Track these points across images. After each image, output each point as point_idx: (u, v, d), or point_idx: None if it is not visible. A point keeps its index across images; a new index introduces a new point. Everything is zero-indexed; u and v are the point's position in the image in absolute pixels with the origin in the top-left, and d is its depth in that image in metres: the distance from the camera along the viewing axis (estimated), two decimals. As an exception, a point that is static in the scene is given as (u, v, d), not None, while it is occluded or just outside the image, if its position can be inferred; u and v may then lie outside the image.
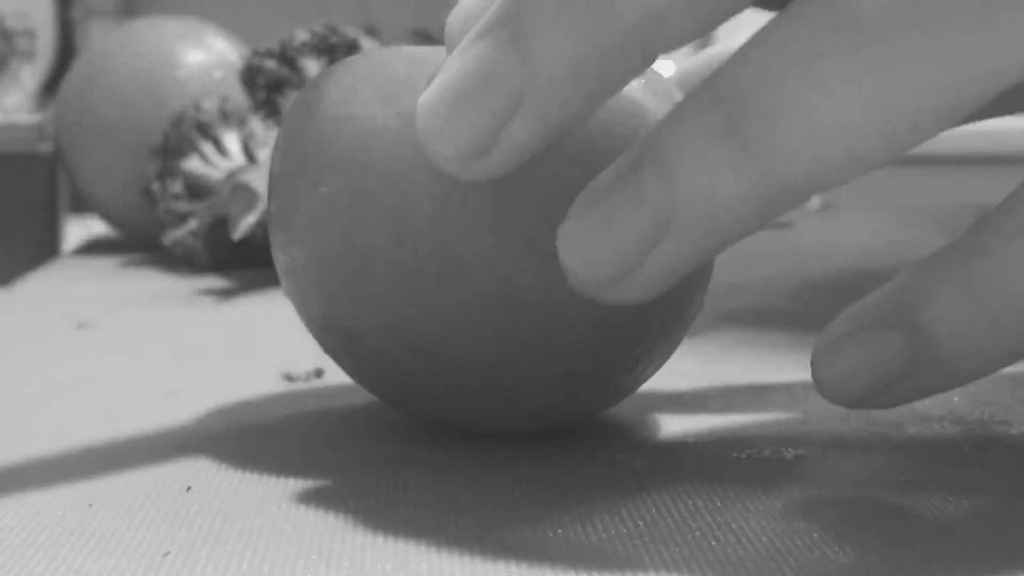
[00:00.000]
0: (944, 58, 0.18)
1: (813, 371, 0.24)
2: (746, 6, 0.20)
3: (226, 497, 0.24)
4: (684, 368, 0.33)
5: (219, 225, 0.53)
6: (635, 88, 0.25)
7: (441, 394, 0.26)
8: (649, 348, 0.26)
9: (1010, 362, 0.23)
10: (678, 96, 0.26)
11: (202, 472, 0.25)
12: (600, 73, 0.20)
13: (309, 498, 0.24)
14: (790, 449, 0.26)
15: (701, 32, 0.20)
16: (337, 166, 0.25)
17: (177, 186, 0.55)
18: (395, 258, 0.24)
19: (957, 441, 0.27)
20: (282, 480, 0.25)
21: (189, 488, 0.24)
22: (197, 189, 0.55)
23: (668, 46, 0.20)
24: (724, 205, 0.20)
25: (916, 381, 0.23)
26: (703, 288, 0.26)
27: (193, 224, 0.54)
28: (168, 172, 0.56)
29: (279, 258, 0.27)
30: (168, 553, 0.21)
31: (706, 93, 0.20)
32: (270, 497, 0.24)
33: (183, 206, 0.55)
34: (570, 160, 0.24)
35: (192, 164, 0.55)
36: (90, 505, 0.23)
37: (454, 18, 0.24)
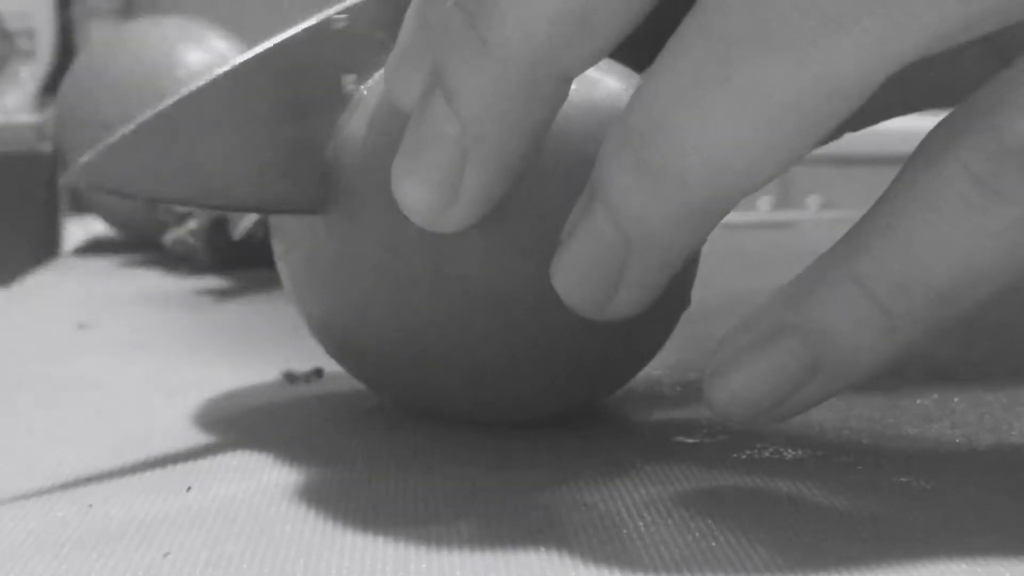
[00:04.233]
0: (802, 68, 0.20)
1: (706, 393, 0.23)
2: (633, 28, 0.22)
3: (226, 497, 0.24)
4: (685, 369, 0.33)
5: (219, 225, 0.53)
6: (616, 92, 0.25)
7: (440, 393, 0.27)
8: (640, 338, 0.26)
9: (910, 348, 0.22)
10: None
11: (202, 472, 0.25)
12: (520, 107, 0.22)
13: (309, 498, 0.24)
14: (790, 450, 0.26)
15: (601, 53, 0.22)
16: (332, 190, 0.26)
17: (177, 186, 0.55)
18: (390, 270, 0.25)
19: (957, 442, 0.27)
20: (282, 480, 0.25)
21: (189, 488, 0.24)
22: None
23: (577, 68, 0.22)
24: (661, 229, 0.22)
25: (817, 384, 0.23)
26: (690, 277, 0.27)
27: (193, 224, 0.54)
28: (168, 172, 0.56)
29: (280, 266, 0.28)
30: (168, 554, 0.21)
31: (618, 131, 0.22)
32: (270, 497, 0.24)
33: (183, 206, 0.55)
34: (555, 162, 0.24)
35: (192, 164, 0.55)
36: (90, 505, 0.23)
37: (389, 69, 0.25)
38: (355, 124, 0.26)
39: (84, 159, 0.24)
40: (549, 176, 0.24)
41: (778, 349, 0.23)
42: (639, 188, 0.22)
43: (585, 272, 0.23)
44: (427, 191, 0.23)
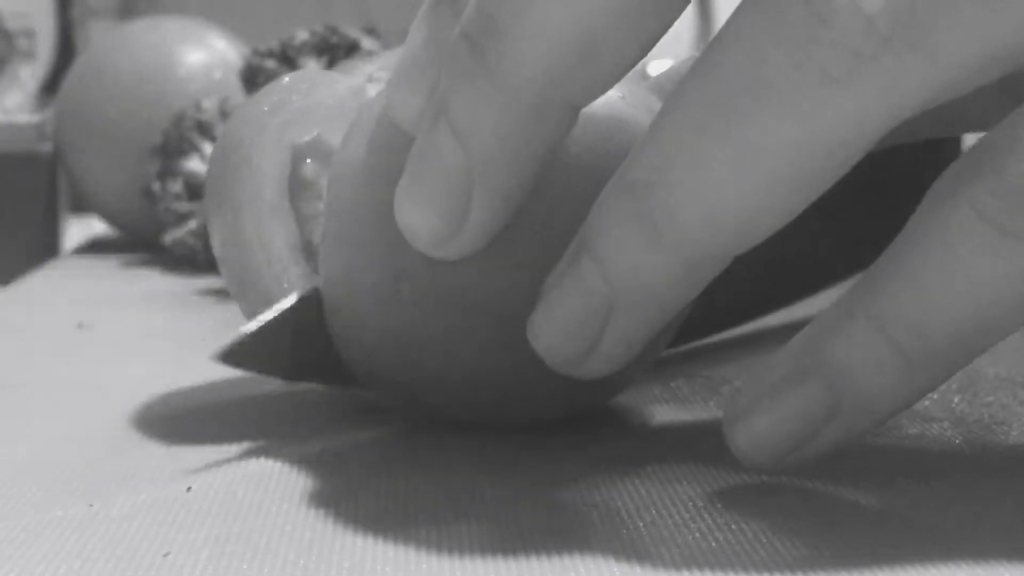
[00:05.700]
0: (802, 124, 0.20)
1: (728, 439, 0.23)
2: (641, 56, 0.22)
3: (226, 497, 0.24)
4: (685, 369, 0.33)
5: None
6: (614, 104, 0.25)
7: (442, 401, 0.27)
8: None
9: (930, 389, 0.22)
10: (657, 105, 0.26)
11: (202, 472, 0.25)
12: (527, 137, 0.22)
13: (309, 498, 0.24)
14: (790, 449, 0.26)
15: (611, 81, 0.22)
16: (331, 209, 0.26)
17: (177, 186, 0.55)
18: (392, 296, 0.25)
19: (957, 442, 0.27)
20: (282, 480, 0.25)
21: (189, 488, 0.24)
22: (197, 189, 0.55)
23: (587, 97, 0.22)
24: (653, 284, 0.22)
25: (837, 427, 0.23)
26: None
27: (193, 224, 0.54)
28: (168, 172, 0.56)
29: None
30: (168, 554, 0.21)
31: (620, 181, 0.22)
32: (270, 497, 0.24)
33: (183, 206, 0.55)
34: (556, 181, 0.24)
35: (192, 164, 0.55)
36: (90, 505, 0.23)
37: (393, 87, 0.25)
38: (352, 145, 0.26)
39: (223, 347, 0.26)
40: (548, 190, 0.24)
41: (797, 392, 0.22)
42: (635, 241, 0.21)
43: (566, 328, 0.22)
44: (432, 219, 0.23)
